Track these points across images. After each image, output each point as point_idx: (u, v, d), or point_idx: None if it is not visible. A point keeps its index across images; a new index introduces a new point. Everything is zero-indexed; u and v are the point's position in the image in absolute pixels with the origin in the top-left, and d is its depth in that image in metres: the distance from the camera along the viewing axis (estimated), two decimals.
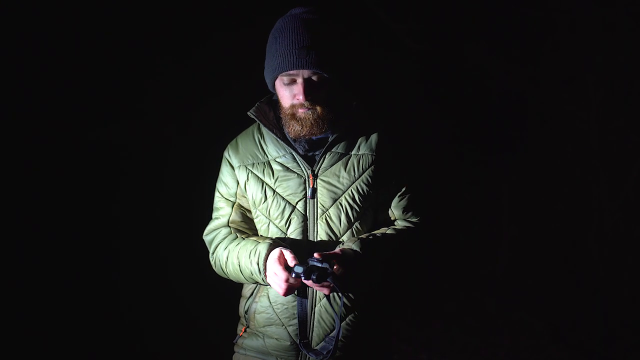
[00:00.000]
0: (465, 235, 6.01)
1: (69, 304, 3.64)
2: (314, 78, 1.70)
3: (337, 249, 1.65)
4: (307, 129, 1.73)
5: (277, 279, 1.63)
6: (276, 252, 1.64)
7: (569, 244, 5.59)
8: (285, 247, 1.67)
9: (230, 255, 1.78)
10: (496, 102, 6.01)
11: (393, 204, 1.81)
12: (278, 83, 1.75)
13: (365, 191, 1.76)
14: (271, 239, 1.74)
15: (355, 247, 1.66)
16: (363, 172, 1.77)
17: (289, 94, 1.73)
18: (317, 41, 1.68)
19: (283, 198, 1.77)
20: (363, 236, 1.72)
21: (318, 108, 1.72)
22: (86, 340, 3.58)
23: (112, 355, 3.59)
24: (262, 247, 1.68)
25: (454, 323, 4.95)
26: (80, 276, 3.74)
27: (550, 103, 5.62)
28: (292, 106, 1.73)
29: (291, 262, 1.61)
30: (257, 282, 1.75)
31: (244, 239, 1.78)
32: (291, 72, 1.69)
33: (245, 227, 1.86)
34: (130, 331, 3.67)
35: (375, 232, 1.76)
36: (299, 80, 1.70)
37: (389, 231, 1.76)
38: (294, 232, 1.75)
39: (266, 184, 1.79)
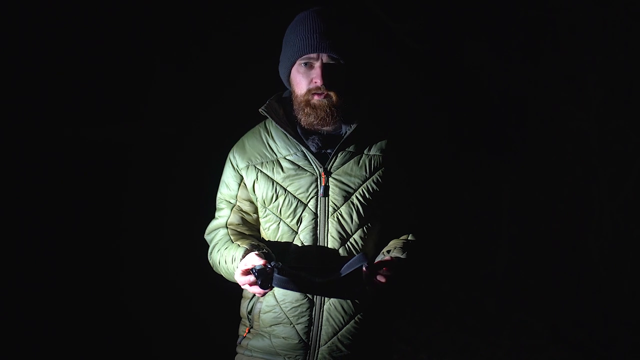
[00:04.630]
0: (465, 235, 6.01)
1: (74, 303, 3.65)
2: (332, 63, 1.73)
3: (387, 257, 1.68)
4: (320, 117, 1.74)
5: (249, 288, 1.66)
6: (242, 263, 1.66)
7: (569, 244, 5.59)
8: (257, 249, 1.68)
9: (221, 260, 1.79)
10: (496, 102, 6.00)
11: (406, 210, 1.82)
12: (295, 70, 1.77)
13: (376, 191, 1.76)
14: (250, 243, 1.74)
15: (402, 256, 1.69)
16: (374, 173, 1.77)
17: (305, 79, 1.75)
18: (336, 29, 1.74)
19: (294, 196, 1.76)
20: (401, 245, 1.73)
21: (333, 95, 1.73)
22: (90, 340, 3.57)
23: (116, 354, 3.59)
24: (238, 254, 1.70)
25: (454, 323, 4.95)
26: (84, 276, 3.74)
27: (550, 103, 5.62)
28: (308, 91, 1.74)
29: (257, 262, 1.62)
30: None
31: (232, 242, 1.78)
32: (311, 55, 1.72)
33: (244, 228, 1.85)
34: (134, 331, 3.67)
35: (406, 240, 1.77)
36: (317, 64, 1.73)
37: (411, 237, 1.78)
38: (304, 230, 1.75)
39: (276, 182, 1.78)
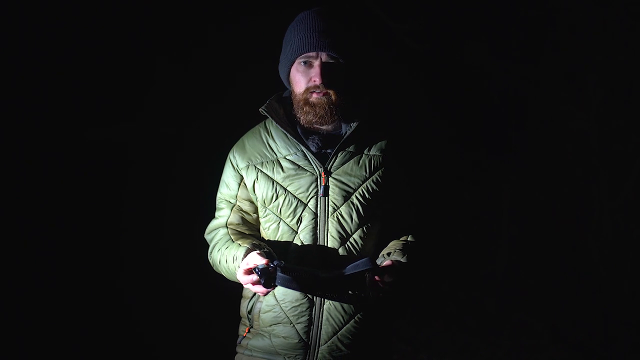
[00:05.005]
0: (465, 235, 6.00)
1: (74, 303, 3.64)
2: (331, 61, 1.74)
3: (387, 261, 1.67)
4: (319, 115, 1.74)
5: (252, 287, 1.67)
6: (244, 262, 1.66)
7: (569, 244, 5.59)
8: (258, 249, 1.68)
9: (222, 259, 1.79)
10: (496, 102, 6.00)
11: (405, 211, 1.82)
12: (294, 69, 1.78)
13: (376, 191, 1.76)
14: (251, 242, 1.74)
15: (402, 259, 1.69)
16: (374, 173, 1.77)
17: (305, 77, 1.75)
18: (336, 28, 1.75)
19: (294, 196, 1.77)
20: (400, 247, 1.73)
21: (332, 94, 1.74)
22: (90, 339, 3.57)
23: (116, 354, 3.59)
24: (239, 253, 1.71)
25: (454, 323, 4.95)
26: (84, 276, 3.74)
27: (550, 103, 5.62)
28: (307, 90, 1.75)
29: (259, 261, 1.62)
30: None
31: (233, 241, 1.78)
32: (310, 53, 1.73)
33: (244, 228, 1.85)
34: (134, 331, 3.67)
35: (406, 241, 1.77)
36: (316, 63, 1.74)
37: (410, 239, 1.78)
38: (304, 230, 1.75)
39: (276, 182, 1.78)
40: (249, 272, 1.63)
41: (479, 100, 6.07)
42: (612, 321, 4.84)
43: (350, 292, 1.67)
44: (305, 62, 1.75)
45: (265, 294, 1.72)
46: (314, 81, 1.73)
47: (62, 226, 3.71)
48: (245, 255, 1.68)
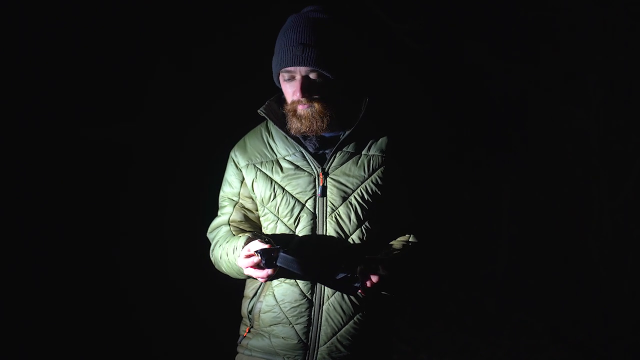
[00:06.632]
0: (465, 235, 6.01)
1: (74, 303, 3.64)
2: (312, 76, 1.72)
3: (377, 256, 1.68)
4: (306, 125, 1.74)
5: (252, 272, 1.66)
6: (244, 250, 1.66)
7: (569, 244, 5.60)
8: (259, 238, 1.69)
9: (222, 253, 1.79)
10: (496, 102, 6.01)
11: (405, 211, 1.82)
12: (280, 79, 1.78)
13: (375, 191, 1.76)
14: (252, 232, 1.75)
15: (399, 255, 1.69)
16: (373, 173, 1.77)
17: (290, 90, 1.75)
18: (317, 39, 1.71)
19: (292, 196, 1.77)
20: (400, 247, 1.74)
21: (316, 105, 1.73)
22: (90, 340, 3.57)
23: (117, 354, 3.59)
24: (240, 243, 1.71)
25: (454, 323, 4.96)
26: (85, 276, 3.74)
27: (550, 103, 5.63)
28: (293, 102, 1.75)
29: (261, 246, 1.63)
30: (249, 276, 1.75)
31: (234, 236, 1.79)
32: (289, 68, 1.72)
33: (246, 225, 1.86)
34: (134, 331, 3.67)
35: (406, 241, 1.78)
36: (297, 77, 1.73)
37: (412, 239, 1.78)
38: (302, 230, 1.75)
39: (275, 182, 1.79)
40: (250, 257, 1.63)
41: (479, 100, 6.07)
42: (612, 321, 4.84)
43: (345, 284, 1.66)
44: (288, 75, 1.74)
45: (266, 280, 1.69)
46: (296, 95, 1.73)
47: (62, 226, 3.71)
48: (246, 243, 1.69)
